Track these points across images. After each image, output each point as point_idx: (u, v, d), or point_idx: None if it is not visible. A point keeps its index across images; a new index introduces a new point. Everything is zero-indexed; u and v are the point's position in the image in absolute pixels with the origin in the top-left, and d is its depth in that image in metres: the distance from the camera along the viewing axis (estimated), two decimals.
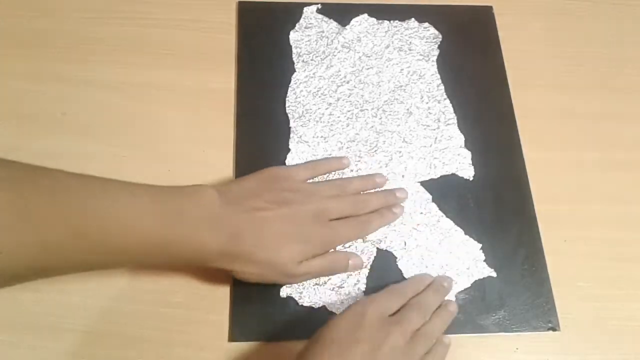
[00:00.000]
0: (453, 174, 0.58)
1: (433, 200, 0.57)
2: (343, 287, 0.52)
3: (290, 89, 0.61)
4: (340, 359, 0.41)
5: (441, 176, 0.58)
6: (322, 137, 0.59)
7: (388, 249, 0.54)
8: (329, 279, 0.52)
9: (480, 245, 0.55)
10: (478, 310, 0.53)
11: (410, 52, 0.64)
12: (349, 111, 0.61)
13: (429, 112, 0.61)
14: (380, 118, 0.61)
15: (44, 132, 0.58)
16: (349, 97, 0.61)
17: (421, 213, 0.56)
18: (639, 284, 0.55)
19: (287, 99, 0.61)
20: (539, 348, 0.52)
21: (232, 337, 0.50)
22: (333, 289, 0.52)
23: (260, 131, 0.59)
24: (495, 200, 0.57)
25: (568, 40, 0.68)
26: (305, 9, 0.66)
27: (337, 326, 0.44)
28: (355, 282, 0.53)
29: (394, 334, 0.44)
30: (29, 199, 0.38)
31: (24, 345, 0.49)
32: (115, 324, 0.50)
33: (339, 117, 0.60)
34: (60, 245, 0.39)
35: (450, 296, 0.53)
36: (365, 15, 0.66)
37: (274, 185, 0.51)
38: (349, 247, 0.54)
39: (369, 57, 0.64)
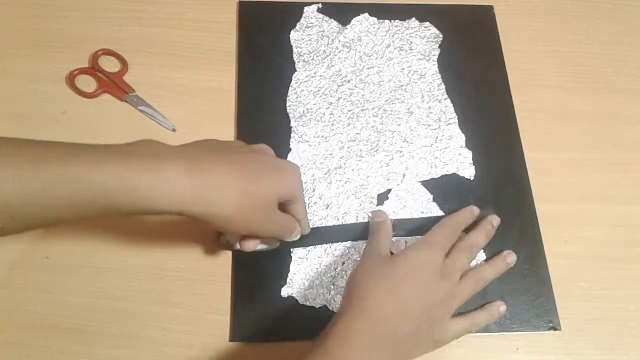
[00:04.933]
0: (454, 174, 0.58)
1: (434, 200, 0.57)
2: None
3: (291, 88, 0.61)
4: (392, 296, 0.46)
5: (442, 176, 0.58)
6: (322, 136, 0.59)
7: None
8: (333, 279, 0.52)
9: None
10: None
11: (411, 51, 0.64)
12: (349, 111, 0.61)
13: (430, 112, 0.61)
14: (381, 117, 0.60)
15: (44, 131, 0.57)
16: (349, 96, 0.61)
17: (422, 213, 0.56)
18: None
19: (287, 98, 0.61)
20: (540, 348, 0.52)
21: (233, 337, 0.50)
22: (334, 289, 0.52)
23: (261, 131, 0.59)
24: (496, 199, 0.57)
25: (568, 41, 0.68)
26: (305, 8, 0.66)
27: (398, 268, 0.48)
28: None
29: (444, 284, 0.48)
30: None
31: (25, 345, 0.49)
32: (115, 324, 0.50)
33: (339, 116, 0.60)
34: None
35: None
36: (366, 15, 0.66)
37: None
38: (349, 247, 0.54)
39: (369, 56, 0.64)
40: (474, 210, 0.55)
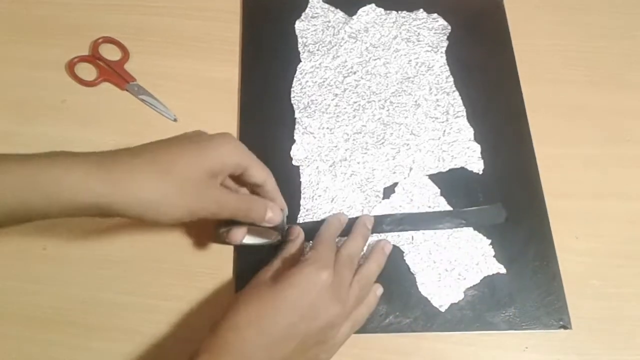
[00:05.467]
0: (462, 168, 0.57)
1: (441, 194, 0.55)
2: None
3: (295, 79, 0.60)
4: (264, 324, 0.41)
5: (450, 169, 0.57)
6: (327, 128, 0.58)
7: (395, 243, 0.53)
8: None
9: (490, 240, 0.54)
10: (487, 307, 0.51)
11: (419, 43, 0.63)
12: (355, 102, 0.59)
13: (438, 105, 0.60)
14: (388, 110, 0.59)
15: (44, 119, 0.57)
16: (355, 88, 0.60)
17: (429, 207, 0.55)
18: None
19: (292, 89, 0.59)
20: (550, 347, 0.50)
21: None
22: None
23: (265, 122, 0.58)
24: (505, 194, 0.56)
25: (580, 34, 0.66)
26: None
27: (278, 290, 0.43)
28: None
29: (336, 307, 0.43)
30: None
31: (24, 338, 0.48)
32: (114, 317, 0.49)
33: (345, 108, 0.59)
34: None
35: (459, 293, 0.51)
36: (373, 5, 0.65)
37: None
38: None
39: (376, 47, 0.62)
40: (342, 219, 0.52)
